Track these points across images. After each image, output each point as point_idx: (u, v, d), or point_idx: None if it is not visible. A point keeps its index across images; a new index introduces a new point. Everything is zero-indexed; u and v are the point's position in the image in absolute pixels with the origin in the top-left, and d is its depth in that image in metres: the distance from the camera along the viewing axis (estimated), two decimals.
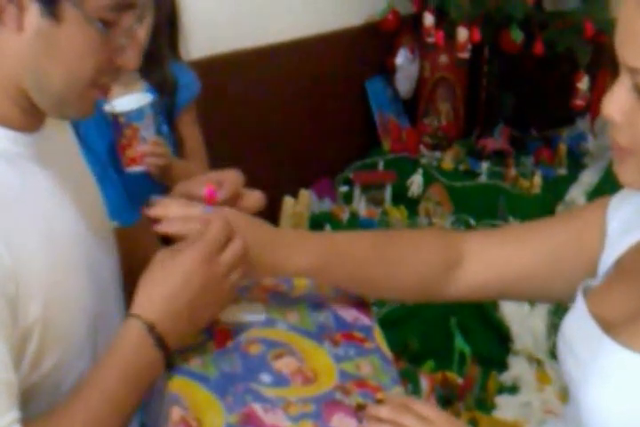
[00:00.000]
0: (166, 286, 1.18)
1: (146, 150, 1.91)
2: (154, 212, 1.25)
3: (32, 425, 1.06)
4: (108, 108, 1.87)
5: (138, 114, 1.88)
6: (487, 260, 1.33)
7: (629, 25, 0.95)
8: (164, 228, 1.23)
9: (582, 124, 3.60)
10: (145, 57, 1.96)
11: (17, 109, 1.12)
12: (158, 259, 1.21)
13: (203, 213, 1.24)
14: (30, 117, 1.14)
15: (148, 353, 1.16)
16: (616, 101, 1.00)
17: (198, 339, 1.29)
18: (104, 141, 1.83)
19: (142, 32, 1.89)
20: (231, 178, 1.35)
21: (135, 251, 1.44)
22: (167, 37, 2.06)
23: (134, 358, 1.15)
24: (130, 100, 1.90)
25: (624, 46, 0.97)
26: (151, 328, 1.16)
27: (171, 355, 1.19)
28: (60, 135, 1.30)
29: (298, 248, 1.28)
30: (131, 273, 1.38)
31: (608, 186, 2.99)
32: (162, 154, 1.94)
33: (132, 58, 1.12)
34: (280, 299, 1.42)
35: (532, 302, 2.58)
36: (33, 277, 1.08)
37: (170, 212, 1.25)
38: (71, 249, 1.20)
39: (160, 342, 1.16)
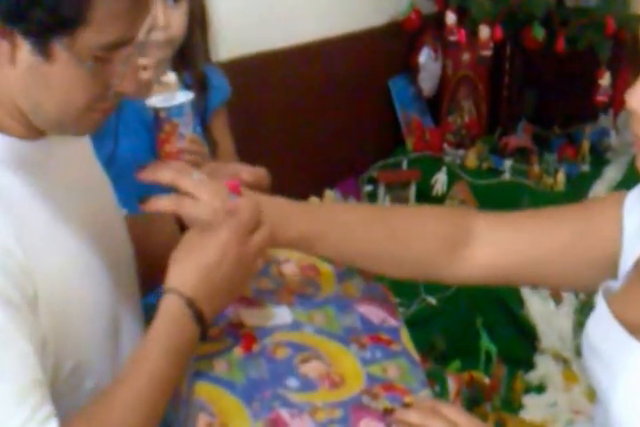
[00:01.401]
0: (202, 261, 1.20)
1: (183, 147, 1.91)
2: (145, 177, 1.28)
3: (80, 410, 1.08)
4: (149, 102, 1.89)
5: (178, 110, 1.89)
6: (496, 242, 1.31)
7: None
8: (147, 175, 1.27)
9: (605, 121, 3.57)
10: (179, 57, 2.00)
11: (17, 124, 1.12)
12: (188, 238, 1.23)
13: (228, 200, 1.24)
14: (32, 129, 1.14)
15: (189, 328, 1.17)
16: None
17: (224, 344, 1.30)
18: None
19: (175, 16, 1.88)
20: (258, 173, 1.38)
21: (149, 237, 1.44)
22: (199, 37, 2.06)
23: (176, 333, 1.16)
24: (171, 96, 1.92)
25: None
26: (191, 303, 1.17)
27: (206, 329, 1.20)
28: (68, 142, 1.28)
29: (290, 218, 1.29)
30: (145, 259, 1.40)
31: (632, 182, 2.95)
32: (198, 151, 1.95)
33: (130, 85, 1.11)
34: (306, 301, 1.42)
35: (537, 287, 2.56)
36: (46, 279, 1.09)
37: (160, 176, 1.27)
38: (82, 252, 1.20)
39: (199, 316, 1.17)
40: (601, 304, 1.16)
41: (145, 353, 1.14)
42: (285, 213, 1.29)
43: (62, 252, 1.16)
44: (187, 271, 1.19)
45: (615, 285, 1.19)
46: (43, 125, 1.12)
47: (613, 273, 1.22)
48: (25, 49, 1.02)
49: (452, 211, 1.48)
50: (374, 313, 1.40)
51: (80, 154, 1.33)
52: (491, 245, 1.31)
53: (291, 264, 1.52)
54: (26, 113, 1.10)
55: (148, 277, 1.39)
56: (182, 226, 1.33)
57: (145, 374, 1.12)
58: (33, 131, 1.14)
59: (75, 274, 1.17)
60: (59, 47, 1.02)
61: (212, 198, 1.23)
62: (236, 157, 2.19)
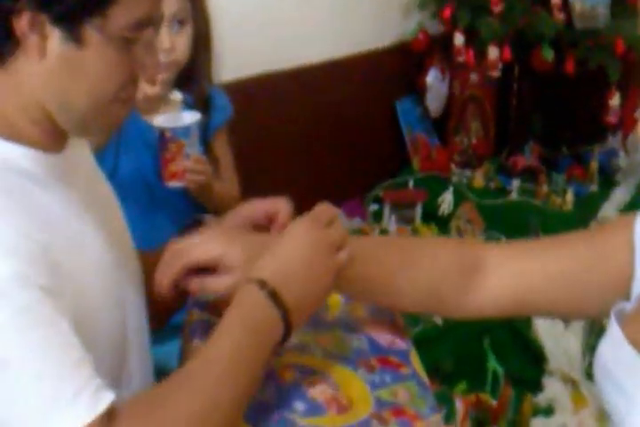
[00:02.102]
0: (277, 246, 1.19)
1: (188, 166, 1.92)
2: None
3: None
4: (156, 122, 1.91)
5: (185, 130, 1.91)
6: (508, 273, 1.29)
7: None
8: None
9: (614, 141, 3.56)
10: (183, 76, 2.01)
11: (41, 131, 1.13)
12: None
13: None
14: (54, 138, 1.15)
15: (264, 309, 1.14)
16: None
17: None
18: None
19: (180, 39, 1.91)
20: (283, 209, 1.38)
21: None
22: (204, 58, 2.09)
23: (250, 313, 1.13)
24: (177, 116, 1.94)
25: None
26: (262, 283, 1.14)
27: (291, 318, 1.15)
28: (82, 156, 1.31)
29: None
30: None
31: None
32: (203, 171, 1.95)
33: (152, 70, 1.14)
34: (314, 323, 1.39)
35: (551, 317, 2.55)
36: (74, 294, 1.08)
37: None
38: (99, 270, 1.20)
39: (274, 296, 1.14)
40: (613, 326, 1.14)
41: (220, 330, 1.12)
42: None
43: (84, 268, 1.15)
44: (259, 262, 1.18)
45: (628, 306, 1.18)
46: (68, 124, 1.13)
47: (626, 296, 1.20)
48: (55, 37, 1.04)
49: (462, 242, 1.46)
50: (382, 335, 1.38)
51: (92, 167, 1.34)
52: (502, 276, 1.30)
53: None
54: (52, 114, 1.11)
55: (156, 309, 1.40)
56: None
57: (224, 349, 1.10)
58: (55, 138, 1.15)
59: (95, 290, 1.17)
60: (90, 30, 1.04)
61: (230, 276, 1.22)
62: (236, 175, 2.21)
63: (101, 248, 1.22)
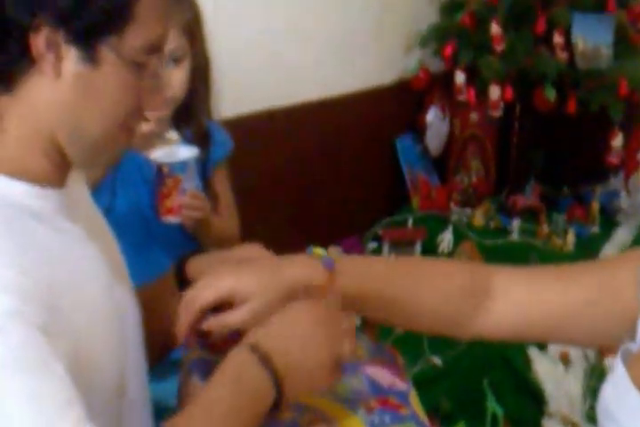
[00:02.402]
0: (274, 319, 1.17)
1: (184, 202, 1.91)
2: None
3: None
4: (153, 156, 1.90)
5: (182, 166, 1.90)
6: (516, 298, 1.29)
7: None
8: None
9: (615, 182, 3.56)
10: (181, 111, 2.00)
11: (48, 163, 1.12)
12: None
13: None
14: (59, 172, 1.14)
15: (253, 371, 1.11)
16: None
17: None
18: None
19: (176, 76, 1.91)
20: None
21: (153, 308, 1.43)
22: (203, 93, 2.08)
23: (238, 375, 1.11)
24: (175, 151, 1.94)
25: None
26: (254, 347, 1.12)
27: (283, 387, 1.13)
28: (81, 191, 1.30)
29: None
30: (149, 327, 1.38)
31: None
32: (199, 207, 1.95)
33: (159, 101, 1.14)
34: None
35: (554, 343, 2.53)
36: (73, 332, 1.06)
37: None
38: (99, 308, 1.18)
39: (265, 359, 1.12)
40: (619, 367, 1.12)
41: (207, 395, 1.10)
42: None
43: (87, 301, 1.14)
44: (257, 329, 1.17)
45: (634, 347, 1.16)
46: (77, 154, 1.13)
47: (632, 334, 1.19)
48: (71, 57, 1.04)
49: (472, 265, 1.47)
50: (382, 376, 1.37)
51: (90, 203, 1.34)
52: (510, 302, 1.30)
53: None
54: (61, 143, 1.11)
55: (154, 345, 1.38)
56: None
57: (211, 412, 1.08)
58: (59, 172, 1.14)
59: (95, 328, 1.15)
60: (105, 50, 1.05)
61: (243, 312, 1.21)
62: (236, 212, 2.19)
63: (102, 285, 1.20)
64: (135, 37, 1.06)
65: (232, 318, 1.21)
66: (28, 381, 0.96)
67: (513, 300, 1.29)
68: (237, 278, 1.22)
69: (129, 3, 1.04)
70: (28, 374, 0.96)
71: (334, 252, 2.97)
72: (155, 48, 1.10)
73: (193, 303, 1.22)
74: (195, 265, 1.31)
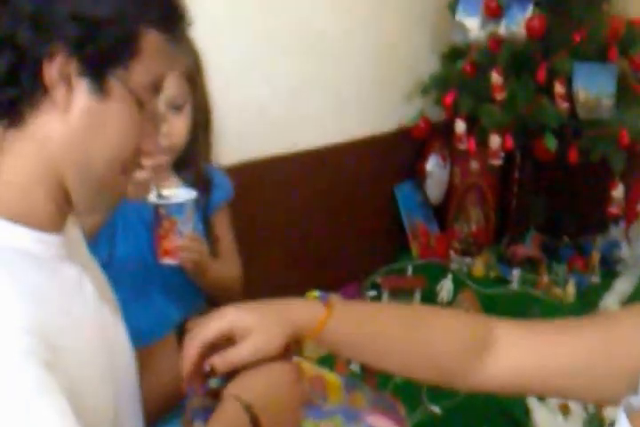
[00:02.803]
0: (261, 377, 1.20)
1: (181, 244, 1.91)
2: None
3: None
4: (150, 198, 1.90)
5: (179, 208, 1.90)
6: (518, 352, 1.30)
7: None
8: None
9: (616, 232, 3.56)
10: (182, 156, 2.00)
11: (51, 207, 1.11)
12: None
13: None
14: (60, 216, 1.14)
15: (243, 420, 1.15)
16: None
17: None
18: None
19: (178, 124, 1.91)
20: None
21: (150, 367, 1.41)
22: (203, 139, 2.09)
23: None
24: (174, 193, 1.94)
25: None
26: (248, 407, 1.15)
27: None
28: (78, 238, 1.30)
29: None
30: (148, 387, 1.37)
31: None
32: (197, 250, 1.94)
33: (156, 144, 1.15)
34: (314, 412, 1.37)
35: (556, 397, 2.50)
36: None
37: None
38: (95, 354, 1.16)
39: (256, 422, 1.14)
40: (622, 421, 1.11)
41: None
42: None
43: (87, 352, 1.13)
44: (250, 382, 1.20)
45: (636, 401, 1.15)
46: (82, 194, 1.13)
47: (634, 387, 1.17)
48: (82, 88, 1.04)
49: (472, 317, 1.47)
50: (383, 424, 1.36)
51: (85, 250, 1.33)
52: (509, 358, 1.29)
53: None
54: (66, 183, 1.10)
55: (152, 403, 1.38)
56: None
57: None
58: (60, 215, 1.14)
59: (92, 378, 1.13)
60: (114, 82, 1.05)
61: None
62: (237, 255, 2.19)
63: (99, 332, 1.19)
64: (139, 73, 1.07)
65: (236, 354, 1.22)
66: (43, 416, 0.95)
67: (512, 355, 1.29)
68: (237, 313, 1.23)
69: (135, 35, 1.05)
70: (45, 408, 0.95)
71: (335, 298, 2.95)
72: (156, 87, 1.11)
73: (195, 340, 1.23)
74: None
